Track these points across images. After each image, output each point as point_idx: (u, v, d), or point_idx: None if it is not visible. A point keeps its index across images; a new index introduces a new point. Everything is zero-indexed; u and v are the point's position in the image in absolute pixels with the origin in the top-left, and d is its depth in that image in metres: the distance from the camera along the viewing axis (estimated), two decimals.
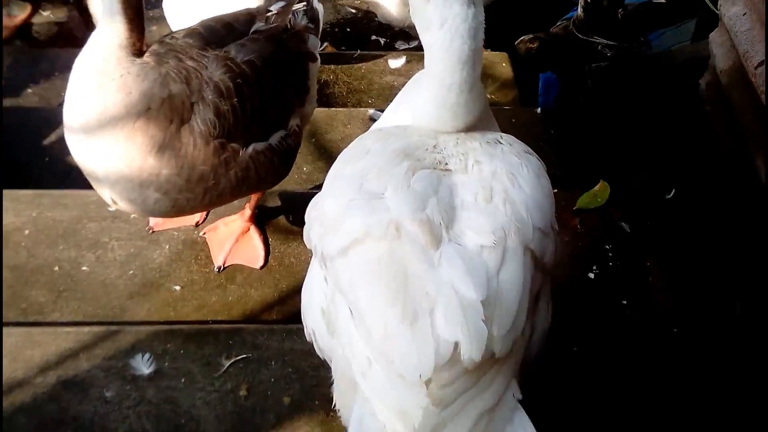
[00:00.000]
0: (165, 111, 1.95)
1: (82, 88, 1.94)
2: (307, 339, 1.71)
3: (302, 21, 2.52)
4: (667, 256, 2.77)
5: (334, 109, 3.51)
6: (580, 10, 3.26)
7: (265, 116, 2.22)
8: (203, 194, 2.10)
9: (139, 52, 1.99)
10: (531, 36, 3.49)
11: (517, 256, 1.39)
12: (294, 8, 2.51)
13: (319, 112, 3.34)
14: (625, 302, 2.58)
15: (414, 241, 1.34)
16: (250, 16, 2.37)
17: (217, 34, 2.22)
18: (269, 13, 2.41)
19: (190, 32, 2.18)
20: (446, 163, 1.53)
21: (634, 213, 2.96)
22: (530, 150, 1.68)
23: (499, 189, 1.46)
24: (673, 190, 3.11)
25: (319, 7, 2.69)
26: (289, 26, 2.42)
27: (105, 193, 2.07)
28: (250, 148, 2.16)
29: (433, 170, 1.49)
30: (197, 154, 2.01)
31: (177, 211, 2.15)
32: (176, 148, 1.98)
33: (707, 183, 3.05)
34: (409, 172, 1.46)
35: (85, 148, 1.98)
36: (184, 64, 2.04)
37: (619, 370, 2.27)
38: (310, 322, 1.66)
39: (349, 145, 1.67)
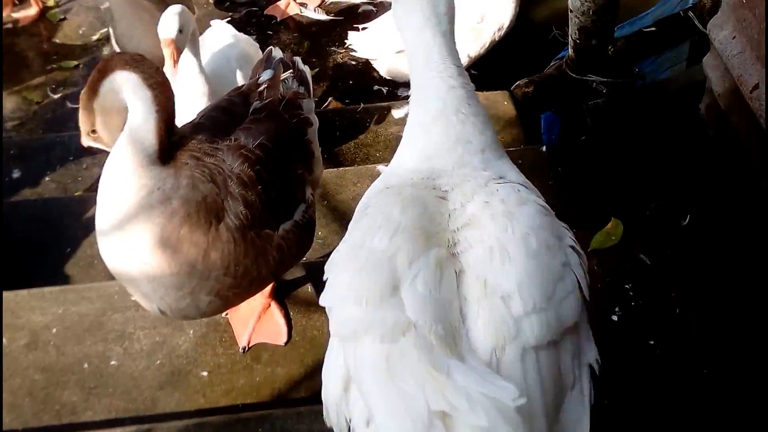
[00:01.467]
0: (203, 214, 1.96)
1: (116, 209, 1.93)
2: (327, 424, 1.67)
3: (293, 86, 2.55)
4: (692, 284, 2.76)
5: (342, 168, 3.55)
6: (570, 50, 3.29)
7: (286, 194, 2.24)
8: (249, 285, 2.13)
9: (163, 154, 1.96)
10: (526, 80, 3.52)
11: (526, 361, 1.37)
12: (282, 77, 2.54)
13: (328, 173, 3.38)
14: (652, 342, 2.57)
15: (425, 347, 1.33)
16: (244, 96, 2.39)
17: (221, 122, 2.24)
18: (260, 88, 2.43)
19: (196, 127, 2.21)
20: (456, 242, 1.50)
21: (651, 244, 2.95)
22: (529, 198, 1.63)
23: (494, 278, 1.42)
24: (688, 216, 3.10)
25: (306, 69, 2.71)
26: (281, 96, 2.43)
27: (154, 306, 2.09)
28: (281, 230, 2.19)
29: (447, 260, 1.45)
30: (239, 249, 2.03)
31: (228, 306, 2.20)
32: (219, 249, 1.99)
33: (720, 207, 3.05)
34: (423, 265, 1.42)
35: (132, 266, 1.97)
36: (203, 161, 2.04)
37: (655, 422, 2.25)
38: (331, 411, 1.65)
39: (356, 216, 1.67)
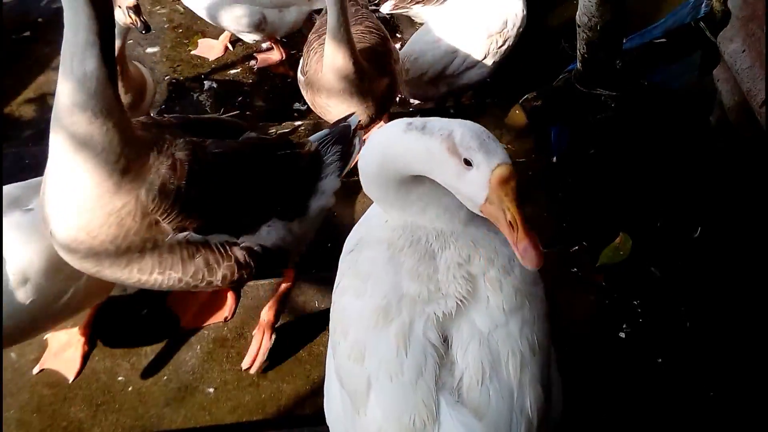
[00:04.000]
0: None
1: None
2: None
3: (328, 157, 2.48)
4: (703, 298, 2.73)
5: (354, 178, 3.54)
6: (578, 64, 3.27)
7: (237, 206, 2.14)
8: (126, 264, 1.98)
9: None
10: (534, 94, 3.50)
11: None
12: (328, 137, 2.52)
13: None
14: (660, 360, 2.55)
15: None
16: (239, 127, 2.34)
17: (204, 126, 2.21)
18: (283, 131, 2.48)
19: (178, 117, 2.18)
20: (439, 296, 1.45)
21: (662, 257, 2.93)
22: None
23: (488, 363, 1.40)
24: (699, 229, 3.07)
25: (357, 145, 2.59)
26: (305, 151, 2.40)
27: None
28: (181, 236, 2.01)
29: (417, 317, 1.42)
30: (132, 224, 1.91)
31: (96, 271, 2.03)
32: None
33: (731, 220, 3.02)
34: (397, 345, 1.40)
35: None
36: (162, 133, 2.00)
37: None
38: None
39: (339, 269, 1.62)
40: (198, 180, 1.98)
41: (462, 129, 1.36)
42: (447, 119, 1.41)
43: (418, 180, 1.49)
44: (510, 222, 1.32)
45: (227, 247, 2.11)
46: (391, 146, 1.43)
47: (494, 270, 1.48)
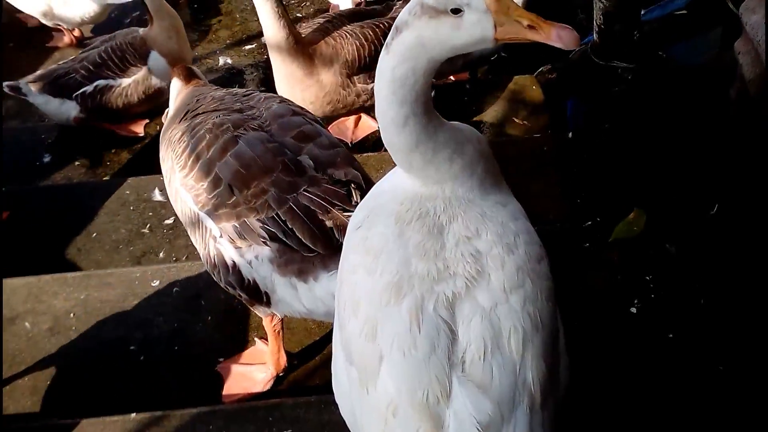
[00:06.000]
0: None
1: None
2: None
3: None
4: (718, 275, 2.70)
5: (365, 154, 3.54)
6: (595, 36, 3.21)
7: None
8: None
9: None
10: (549, 66, 3.45)
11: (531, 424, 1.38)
12: None
13: None
14: (671, 335, 2.53)
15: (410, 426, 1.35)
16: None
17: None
18: None
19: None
20: (447, 275, 1.42)
21: (678, 233, 2.89)
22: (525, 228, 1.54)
23: (490, 340, 1.38)
24: (716, 206, 3.03)
25: None
26: None
27: None
28: None
29: (427, 294, 1.40)
30: None
31: None
32: None
33: (749, 196, 2.97)
34: (410, 321, 1.38)
35: None
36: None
37: (668, 415, 2.22)
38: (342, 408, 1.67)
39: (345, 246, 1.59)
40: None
41: None
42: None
43: (441, 123, 1.46)
44: (530, 25, 1.29)
45: None
46: (394, 71, 1.36)
47: (499, 247, 1.46)
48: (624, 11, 2.99)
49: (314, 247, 2.03)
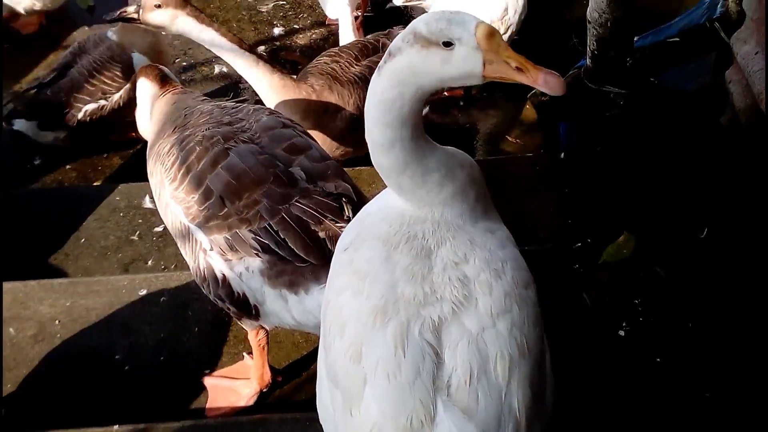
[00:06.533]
0: None
1: None
2: None
3: None
4: (707, 299, 2.71)
5: (358, 168, 3.54)
6: (588, 60, 3.24)
7: None
8: None
9: None
10: None
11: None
12: None
13: None
14: (659, 360, 2.53)
15: None
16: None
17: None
18: None
19: None
20: (434, 299, 1.42)
21: (667, 256, 2.91)
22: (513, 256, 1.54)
23: (477, 362, 1.38)
24: (706, 230, 3.05)
25: None
26: None
27: None
28: None
29: (413, 318, 1.39)
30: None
31: None
32: None
33: (738, 221, 2.99)
34: (395, 345, 1.38)
35: None
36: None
37: None
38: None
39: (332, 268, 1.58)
40: None
41: (423, 21, 1.34)
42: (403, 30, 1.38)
43: (432, 147, 1.46)
44: (518, 67, 1.31)
45: None
46: (383, 94, 1.37)
47: (487, 273, 1.46)
48: (617, 38, 3.02)
49: (307, 257, 2.03)
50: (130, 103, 3.71)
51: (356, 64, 3.15)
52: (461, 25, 1.30)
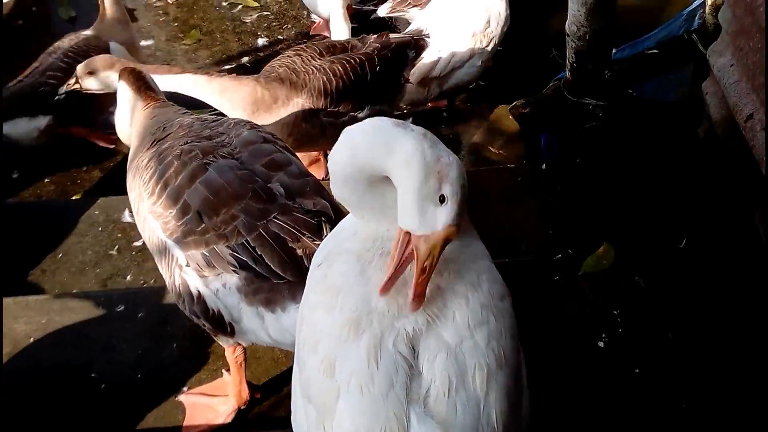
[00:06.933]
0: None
1: None
2: None
3: None
4: (686, 309, 2.72)
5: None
6: (567, 73, 3.26)
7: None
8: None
9: None
10: (523, 101, 3.50)
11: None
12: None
13: None
14: (638, 371, 2.54)
15: None
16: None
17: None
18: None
19: None
20: (408, 312, 1.42)
21: (647, 266, 2.92)
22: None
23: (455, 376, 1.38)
24: (685, 240, 3.06)
25: None
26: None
27: None
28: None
29: (386, 330, 1.39)
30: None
31: None
32: None
33: (717, 231, 3.01)
34: (368, 357, 1.37)
35: None
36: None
37: None
38: None
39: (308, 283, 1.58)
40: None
41: (459, 169, 1.40)
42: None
43: (390, 183, 1.46)
44: (424, 267, 1.37)
45: None
46: (347, 146, 1.41)
47: (462, 285, 1.46)
48: (595, 50, 3.04)
49: (284, 274, 2.01)
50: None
51: (318, 58, 3.16)
52: (455, 210, 1.37)
